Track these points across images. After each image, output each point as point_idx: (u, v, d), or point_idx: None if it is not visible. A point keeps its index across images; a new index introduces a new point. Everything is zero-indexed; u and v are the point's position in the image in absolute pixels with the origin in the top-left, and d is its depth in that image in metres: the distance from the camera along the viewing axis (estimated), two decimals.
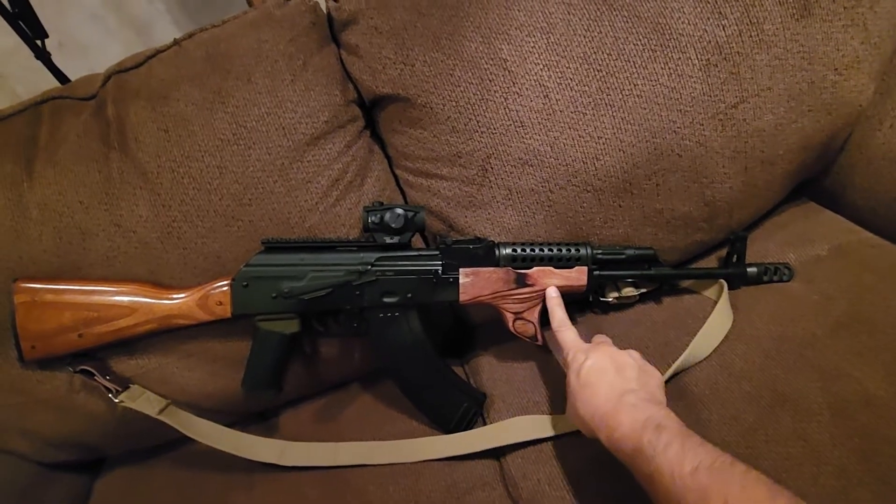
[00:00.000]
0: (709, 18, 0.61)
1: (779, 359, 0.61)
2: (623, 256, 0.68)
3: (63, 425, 0.70)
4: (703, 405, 0.60)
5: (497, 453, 0.66)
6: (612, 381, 0.53)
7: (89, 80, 0.71)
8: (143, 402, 0.67)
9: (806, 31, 0.63)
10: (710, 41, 0.62)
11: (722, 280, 0.70)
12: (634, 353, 0.57)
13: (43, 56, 0.88)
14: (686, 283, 0.74)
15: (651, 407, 0.49)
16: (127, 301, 0.64)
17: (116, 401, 0.66)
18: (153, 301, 0.64)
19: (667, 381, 0.62)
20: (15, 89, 1.13)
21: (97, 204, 0.64)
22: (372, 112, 0.73)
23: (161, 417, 0.67)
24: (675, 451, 0.43)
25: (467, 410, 0.68)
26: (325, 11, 0.71)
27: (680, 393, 0.62)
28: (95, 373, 0.65)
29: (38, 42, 0.85)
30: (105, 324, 0.64)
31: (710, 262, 0.77)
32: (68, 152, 0.64)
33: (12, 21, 0.82)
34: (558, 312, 0.63)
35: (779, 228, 0.78)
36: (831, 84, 0.65)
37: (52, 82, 1.01)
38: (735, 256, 0.71)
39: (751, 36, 0.62)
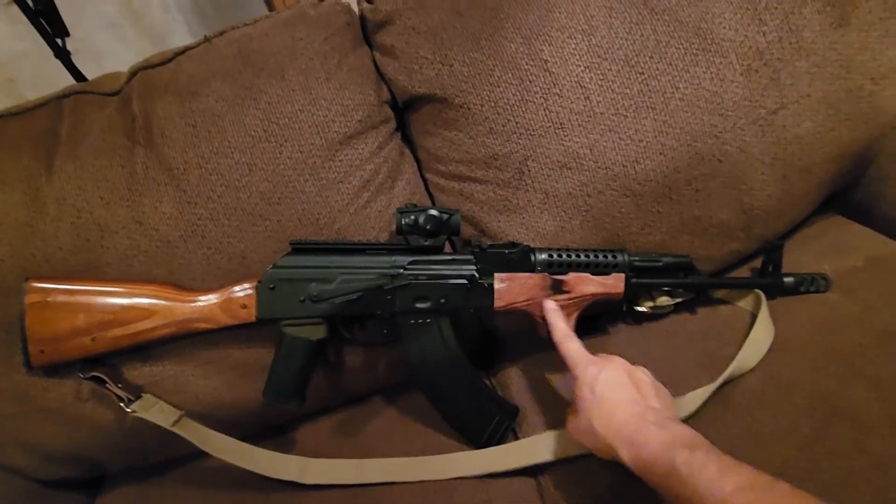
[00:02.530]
0: (749, 24, 0.62)
1: (828, 370, 0.59)
2: (660, 264, 0.66)
3: (67, 437, 0.65)
4: (752, 416, 0.58)
5: (533, 470, 0.62)
6: (633, 396, 0.51)
7: (113, 77, 0.70)
8: (156, 412, 0.63)
9: (843, 39, 0.63)
10: (750, 47, 0.62)
11: (758, 290, 0.69)
12: (646, 370, 0.55)
13: (63, 55, 0.87)
14: (719, 294, 0.73)
15: (676, 425, 0.48)
16: (146, 303, 0.61)
17: (129, 410, 0.61)
18: (174, 304, 0.61)
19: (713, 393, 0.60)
20: (25, 94, 1.11)
21: (118, 200, 0.61)
22: (403, 114, 0.72)
23: (175, 429, 0.62)
24: (713, 471, 0.41)
25: (499, 424, 0.64)
26: (357, 13, 0.70)
27: (725, 403, 0.60)
28: (107, 380, 0.61)
29: (59, 41, 0.83)
30: (121, 327, 0.60)
31: (743, 273, 0.76)
32: (90, 147, 0.62)
33: (33, 18, 0.81)
34: (560, 324, 0.60)
35: (811, 240, 0.77)
36: (868, 93, 0.65)
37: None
38: (771, 266, 0.70)
39: (790, 43, 0.62)
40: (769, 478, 0.40)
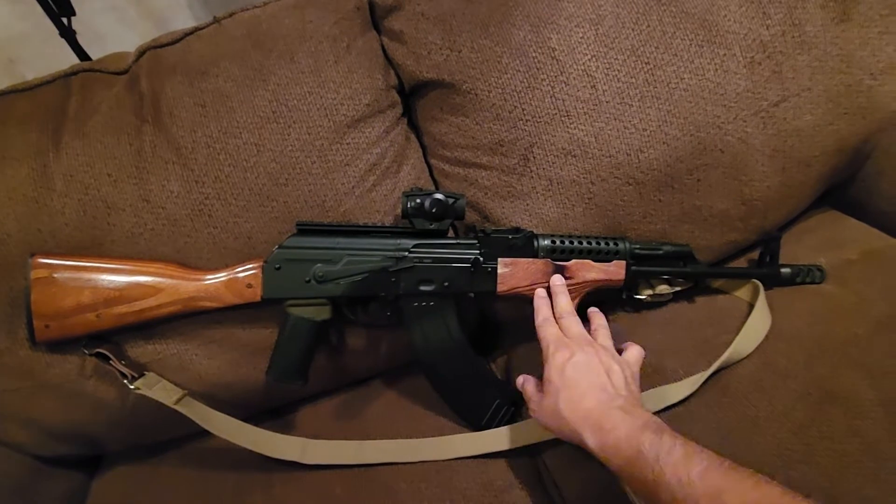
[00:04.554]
0: (754, 17, 0.63)
1: (823, 357, 0.60)
2: (660, 252, 0.67)
3: (68, 414, 0.65)
4: (748, 402, 0.59)
5: (532, 452, 0.63)
6: (602, 382, 0.51)
7: (120, 56, 0.70)
8: (158, 390, 0.63)
9: (845, 34, 0.64)
10: (754, 39, 0.63)
11: (755, 280, 0.70)
12: (633, 355, 0.56)
13: (68, 34, 0.86)
14: (717, 284, 0.74)
15: (643, 412, 0.48)
16: (151, 281, 0.61)
17: (132, 387, 0.62)
18: (179, 282, 0.61)
19: (708, 379, 0.61)
20: (25, 76, 1.10)
21: (126, 177, 0.61)
22: (409, 100, 0.72)
23: (177, 407, 0.63)
24: (679, 454, 0.42)
25: (499, 407, 0.65)
26: None
27: (723, 389, 0.61)
28: (111, 357, 0.61)
29: (64, 20, 0.83)
30: (126, 304, 0.61)
31: (740, 263, 0.77)
32: (99, 124, 0.62)
33: None
34: (544, 309, 0.60)
35: (806, 233, 0.78)
36: (867, 88, 0.66)
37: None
38: (768, 257, 0.71)
39: (793, 36, 0.63)
40: (732, 463, 0.41)
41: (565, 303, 0.60)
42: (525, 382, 0.58)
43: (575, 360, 0.53)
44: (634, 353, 0.57)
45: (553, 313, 0.60)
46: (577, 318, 0.59)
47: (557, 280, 0.62)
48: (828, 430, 0.54)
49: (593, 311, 0.63)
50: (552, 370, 0.53)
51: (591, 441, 0.48)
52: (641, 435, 0.44)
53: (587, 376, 0.52)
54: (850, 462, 0.51)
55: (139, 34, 1.11)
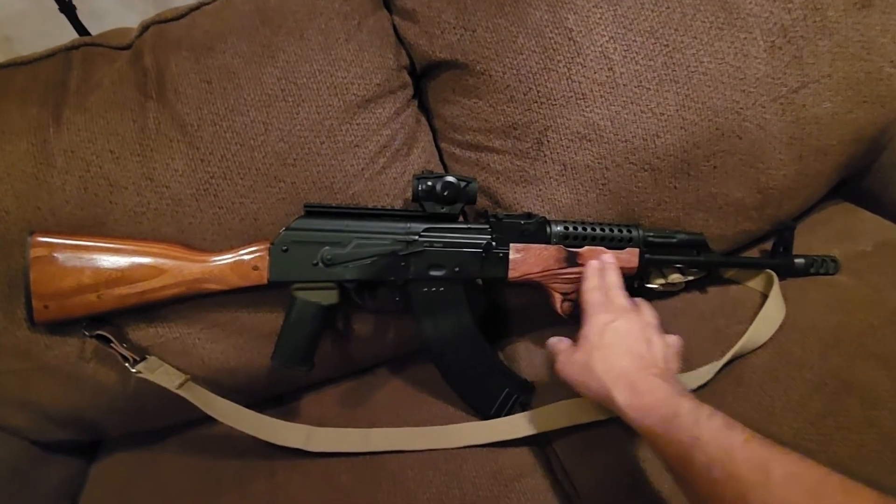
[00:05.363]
0: (775, 1, 0.61)
1: (838, 347, 0.60)
2: (674, 240, 0.66)
3: (67, 397, 0.64)
4: (763, 392, 0.58)
5: (541, 440, 0.62)
6: (641, 350, 0.51)
7: (122, 32, 0.68)
8: (161, 374, 0.62)
9: (866, 20, 0.63)
10: (775, 23, 0.61)
11: (769, 270, 0.69)
12: (672, 338, 0.55)
13: (68, 10, 0.84)
14: (730, 274, 0.73)
15: (678, 381, 0.48)
16: (155, 262, 0.59)
17: (133, 371, 0.60)
18: (183, 263, 0.59)
19: (722, 368, 0.60)
20: (22, 54, 1.07)
21: (129, 155, 0.59)
22: (421, 81, 0.71)
23: (180, 392, 0.61)
24: (720, 422, 0.41)
25: (509, 396, 0.64)
26: None
27: (737, 379, 0.60)
28: (112, 339, 0.60)
29: None
30: (128, 285, 0.59)
31: (752, 254, 0.76)
32: (101, 99, 0.60)
33: None
34: (594, 278, 0.59)
35: (820, 224, 0.78)
36: (887, 76, 0.65)
37: None
38: (782, 247, 0.70)
39: (815, 21, 0.62)
40: (768, 440, 0.40)
41: (616, 278, 0.60)
42: (559, 340, 0.57)
43: (616, 324, 0.53)
44: (675, 336, 0.56)
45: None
46: (626, 293, 0.58)
47: (609, 258, 0.61)
48: (844, 421, 0.53)
49: (640, 300, 0.61)
50: (591, 329, 0.53)
51: (620, 398, 0.47)
52: (680, 399, 0.44)
53: (626, 341, 0.52)
54: (867, 452, 0.51)
55: (140, 13, 1.08)
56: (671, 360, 0.53)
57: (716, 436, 0.40)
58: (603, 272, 0.60)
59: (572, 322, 0.65)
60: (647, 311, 0.58)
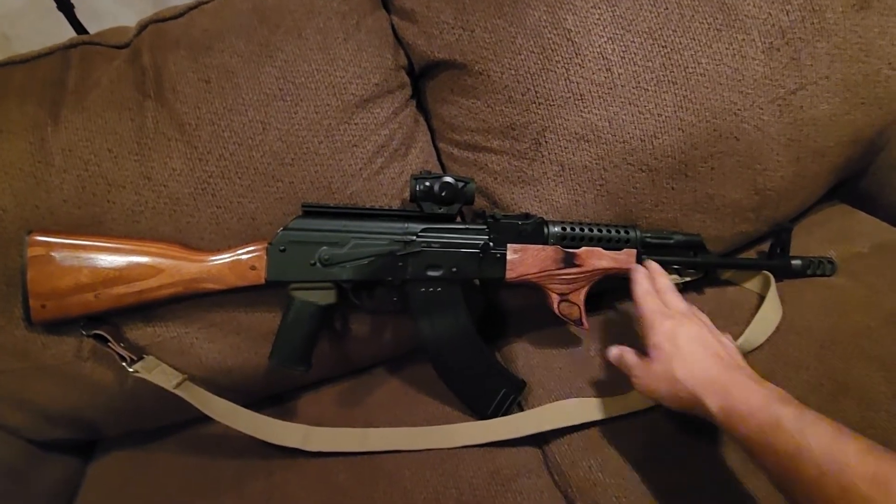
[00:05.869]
0: (773, 2, 0.61)
1: (835, 349, 0.60)
2: (671, 241, 0.66)
3: (65, 397, 0.64)
4: None
5: (539, 441, 0.62)
6: (718, 352, 0.50)
7: (120, 30, 0.68)
8: (158, 373, 0.62)
9: (864, 23, 0.63)
10: (773, 24, 0.61)
11: (766, 272, 0.69)
12: (728, 336, 0.54)
13: (66, 8, 0.84)
14: (727, 275, 0.73)
15: (770, 383, 0.46)
16: (152, 261, 0.59)
17: (131, 370, 0.60)
18: (181, 262, 0.59)
19: None
20: (20, 52, 1.07)
21: (127, 154, 0.59)
22: (419, 81, 0.71)
23: (177, 391, 0.61)
24: (827, 430, 0.39)
25: (506, 396, 0.64)
26: None
27: None
28: (110, 338, 0.60)
29: None
30: (126, 284, 0.59)
31: (750, 256, 0.76)
32: (99, 98, 0.60)
33: None
34: (644, 283, 0.58)
35: (817, 226, 0.78)
36: (885, 78, 0.66)
37: None
38: (779, 248, 0.70)
39: (813, 23, 0.62)
40: (880, 446, 0.38)
41: (667, 281, 0.59)
42: (623, 353, 0.56)
43: (685, 329, 0.52)
44: (728, 334, 0.55)
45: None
46: (681, 296, 0.57)
47: (654, 265, 0.61)
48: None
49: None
50: (660, 337, 0.52)
51: (714, 406, 0.45)
52: (780, 405, 0.42)
53: (700, 344, 0.51)
54: None
55: (138, 12, 1.08)
56: (740, 356, 0.52)
57: (826, 447, 0.38)
58: (653, 276, 0.59)
59: (572, 322, 0.65)
60: (699, 312, 0.57)
